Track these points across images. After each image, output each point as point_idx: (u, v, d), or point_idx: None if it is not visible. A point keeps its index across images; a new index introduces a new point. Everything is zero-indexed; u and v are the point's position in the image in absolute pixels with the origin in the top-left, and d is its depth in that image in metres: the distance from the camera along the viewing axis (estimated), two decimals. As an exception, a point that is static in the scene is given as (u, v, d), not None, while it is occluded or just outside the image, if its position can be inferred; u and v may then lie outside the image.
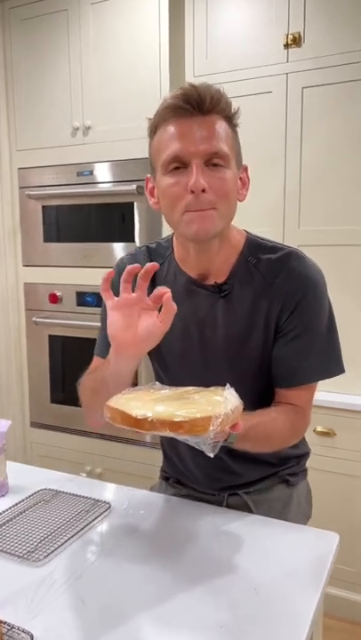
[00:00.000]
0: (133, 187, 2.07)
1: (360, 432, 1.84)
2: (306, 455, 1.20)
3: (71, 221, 2.30)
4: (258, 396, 1.03)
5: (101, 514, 1.05)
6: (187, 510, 1.08)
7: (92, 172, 2.20)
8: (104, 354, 0.99)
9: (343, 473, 1.87)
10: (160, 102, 0.94)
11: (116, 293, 0.87)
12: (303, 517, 1.17)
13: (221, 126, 0.91)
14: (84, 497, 1.11)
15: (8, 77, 2.34)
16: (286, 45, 1.89)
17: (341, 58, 1.82)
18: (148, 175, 1.01)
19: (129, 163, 2.11)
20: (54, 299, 2.34)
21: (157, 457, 1.30)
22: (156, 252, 1.10)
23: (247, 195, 1.00)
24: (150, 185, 1.00)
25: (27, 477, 1.21)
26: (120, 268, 1.11)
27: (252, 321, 1.01)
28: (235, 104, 0.94)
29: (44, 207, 2.33)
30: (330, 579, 0.89)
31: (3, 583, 0.86)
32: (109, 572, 0.88)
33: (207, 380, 0.89)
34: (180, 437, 0.74)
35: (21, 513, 1.06)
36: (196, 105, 0.89)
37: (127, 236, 2.15)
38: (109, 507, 1.07)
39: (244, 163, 1.00)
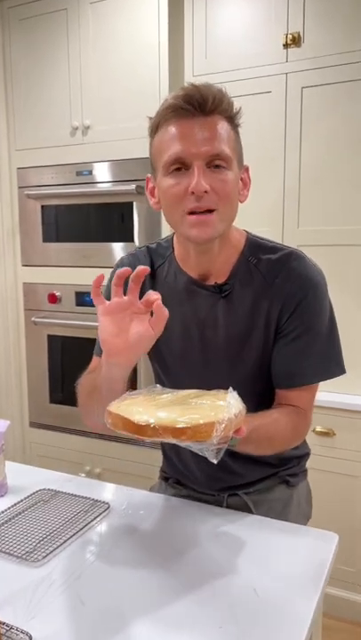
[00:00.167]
0: (133, 186, 2.07)
1: (360, 432, 1.84)
2: (306, 456, 1.20)
3: (70, 221, 2.29)
4: (258, 397, 1.03)
5: (100, 514, 1.05)
6: (186, 511, 1.08)
7: (91, 172, 2.20)
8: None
9: (343, 473, 1.87)
10: (160, 102, 0.94)
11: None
12: (303, 518, 1.17)
13: (223, 127, 0.91)
14: (83, 497, 1.11)
15: (7, 77, 2.34)
16: (286, 45, 1.89)
17: (341, 58, 1.82)
18: (149, 175, 1.00)
19: (128, 162, 2.11)
20: (53, 299, 2.34)
21: (157, 457, 1.30)
22: (157, 252, 1.10)
23: (248, 195, 1.00)
24: (151, 185, 1.00)
25: (26, 477, 1.20)
26: (119, 268, 1.11)
27: (252, 321, 1.01)
28: (236, 104, 0.94)
29: (43, 207, 2.33)
30: (329, 579, 0.89)
31: (1, 583, 0.85)
32: (108, 572, 0.88)
33: (208, 380, 0.88)
34: (183, 444, 0.73)
35: (20, 513, 1.06)
36: (198, 106, 0.88)
37: (126, 236, 2.15)
38: (108, 507, 1.07)
39: (244, 163, 0.99)
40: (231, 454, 0.98)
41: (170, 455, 1.20)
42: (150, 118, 0.95)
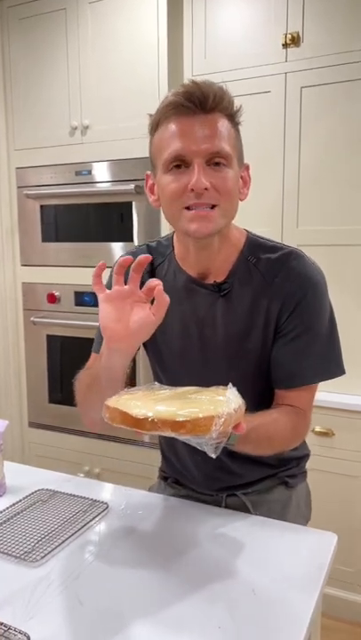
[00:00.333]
0: (132, 186, 2.06)
1: (359, 432, 1.84)
2: (306, 457, 1.20)
3: (69, 221, 2.29)
4: (258, 396, 1.03)
5: (99, 514, 1.05)
6: (185, 511, 1.08)
7: (90, 172, 2.20)
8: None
9: (342, 473, 1.87)
10: (159, 101, 0.94)
11: None
12: (302, 520, 1.17)
13: (224, 125, 0.91)
14: (81, 497, 1.10)
15: (6, 76, 2.34)
16: (285, 45, 1.89)
17: (340, 58, 1.82)
18: (148, 172, 1.00)
19: (127, 162, 2.10)
20: (52, 298, 2.34)
21: (156, 457, 1.30)
22: (157, 250, 1.10)
23: (248, 194, 1.00)
24: (150, 182, 1.00)
25: (24, 477, 1.20)
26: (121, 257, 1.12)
27: (251, 320, 1.01)
28: (237, 102, 0.94)
29: (42, 207, 2.33)
30: (328, 579, 0.89)
31: (0, 584, 0.85)
32: (107, 572, 0.88)
33: (207, 379, 0.88)
34: (182, 438, 0.73)
35: (19, 513, 1.06)
36: (199, 103, 0.88)
37: (126, 236, 2.15)
38: (107, 507, 1.07)
39: (244, 161, 0.99)
40: (230, 454, 0.98)
41: (168, 455, 1.20)
42: (150, 115, 0.95)
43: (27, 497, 1.12)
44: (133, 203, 2.11)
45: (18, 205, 2.39)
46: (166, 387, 0.86)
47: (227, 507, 1.12)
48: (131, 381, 0.95)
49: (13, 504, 1.09)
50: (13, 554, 0.92)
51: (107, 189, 2.16)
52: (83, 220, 2.26)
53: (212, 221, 0.92)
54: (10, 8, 2.28)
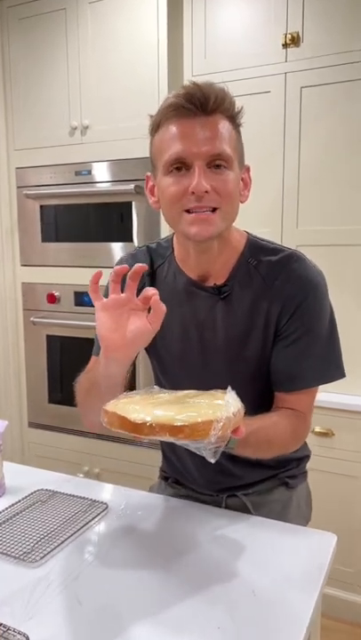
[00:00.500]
0: (132, 186, 2.06)
1: (359, 432, 1.84)
2: (306, 458, 1.20)
3: (69, 221, 2.29)
4: (258, 398, 1.02)
5: (98, 514, 1.05)
6: (185, 511, 1.08)
7: (90, 172, 2.20)
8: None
9: (341, 473, 1.87)
10: (159, 102, 0.93)
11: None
12: (303, 520, 1.16)
13: (225, 127, 0.90)
14: (81, 497, 1.10)
15: (6, 77, 2.34)
16: (285, 45, 1.89)
17: (340, 58, 1.82)
18: (149, 173, 1.00)
19: (127, 162, 2.10)
20: (52, 299, 2.34)
21: (156, 457, 1.30)
22: (157, 252, 1.10)
23: (249, 196, 1.00)
24: (151, 183, 0.99)
25: (24, 478, 1.20)
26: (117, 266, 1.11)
27: (251, 323, 1.01)
28: (238, 103, 0.93)
29: (41, 207, 2.33)
30: (328, 579, 0.89)
31: (-1, 584, 0.85)
32: (106, 573, 0.88)
33: (207, 381, 0.88)
34: (181, 442, 0.72)
35: (18, 514, 1.05)
36: (200, 105, 0.88)
37: (125, 236, 2.15)
38: (107, 507, 1.07)
39: (245, 163, 0.99)
40: (230, 457, 0.98)
41: (169, 455, 1.20)
42: (151, 116, 0.94)
43: (26, 497, 1.11)
44: (133, 203, 2.10)
45: (18, 205, 2.39)
46: (165, 390, 0.86)
47: (227, 507, 1.12)
48: (130, 385, 0.95)
49: (13, 504, 1.09)
50: (13, 554, 0.92)
51: (106, 189, 2.16)
52: (82, 221, 2.26)
53: (212, 224, 0.92)
54: (10, 8, 2.28)
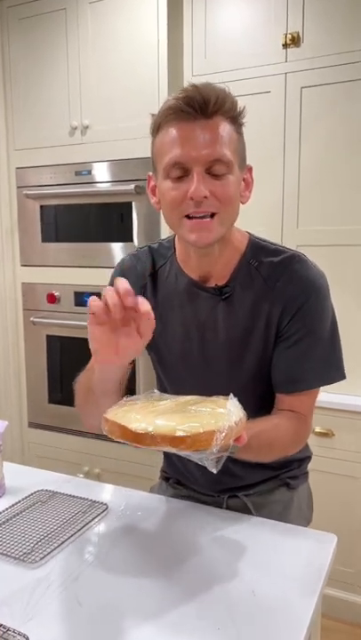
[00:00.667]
0: (132, 186, 2.06)
1: (359, 433, 1.84)
2: (307, 459, 1.20)
3: (69, 221, 2.29)
4: (259, 400, 1.02)
5: (98, 515, 1.04)
6: (185, 512, 1.08)
7: (90, 172, 2.20)
8: None
9: (342, 474, 1.87)
10: (159, 102, 0.93)
11: None
12: (304, 521, 1.16)
13: (225, 129, 0.89)
14: (81, 498, 1.10)
15: (6, 76, 2.34)
16: (285, 45, 1.89)
17: (340, 58, 1.82)
18: (150, 173, 0.99)
19: (127, 162, 2.10)
20: (52, 299, 2.33)
21: (156, 458, 1.30)
22: (158, 252, 1.10)
23: (251, 196, 0.99)
24: (152, 183, 0.99)
25: (24, 478, 1.20)
26: (121, 269, 1.11)
27: (252, 324, 1.00)
28: (240, 103, 0.92)
29: (41, 207, 2.33)
30: (328, 580, 0.88)
31: (-1, 585, 0.85)
32: (106, 573, 0.88)
33: (208, 382, 0.87)
34: (182, 453, 0.72)
35: (18, 514, 1.05)
36: (199, 108, 0.87)
37: (125, 236, 2.15)
38: (107, 508, 1.07)
39: (247, 163, 0.98)
40: (231, 458, 0.97)
41: (170, 455, 1.20)
42: (153, 115, 0.94)
43: (26, 498, 1.11)
44: (133, 203, 2.10)
45: (18, 205, 2.39)
46: (166, 395, 0.85)
47: (228, 508, 1.12)
48: (130, 386, 0.94)
49: (13, 505, 1.08)
50: (12, 555, 0.92)
51: (107, 189, 2.16)
52: (83, 221, 2.26)
53: (211, 231, 0.91)
54: (10, 8, 2.28)
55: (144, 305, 0.80)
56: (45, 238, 2.35)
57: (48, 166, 2.28)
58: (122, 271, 1.10)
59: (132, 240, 2.13)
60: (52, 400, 2.42)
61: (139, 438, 0.71)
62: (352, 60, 1.81)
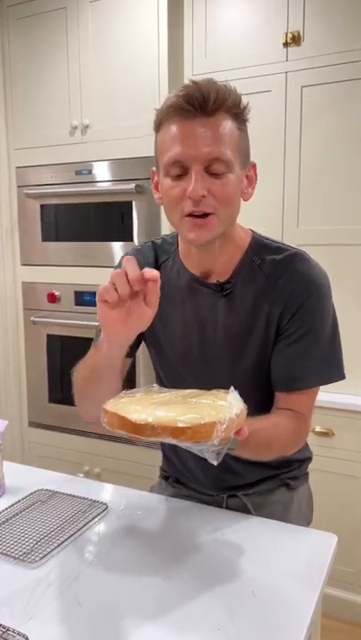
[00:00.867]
0: (132, 186, 2.06)
1: (359, 432, 1.83)
2: (308, 460, 1.19)
3: (69, 220, 2.29)
4: (258, 398, 1.02)
5: (98, 515, 1.04)
6: (185, 511, 1.08)
7: (90, 171, 2.19)
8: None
9: (342, 473, 1.87)
10: (160, 101, 0.93)
11: None
12: (304, 522, 1.16)
13: (226, 127, 0.89)
14: (81, 498, 1.10)
15: (6, 76, 2.33)
16: (285, 44, 1.88)
17: (340, 57, 1.82)
18: (154, 168, 0.99)
19: (128, 161, 2.10)
20: (52, 298, 2.33)
21: (156, 457, 1.29)
22: (161, 247, 1.10)
23: (253, 193, 0.99)
24: (156, 179, 0.99)
25: (24, 478, 1.20)
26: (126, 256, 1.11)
27: (252, 320, 1.00)
28: (244, 99, 0.91)
29: (42, 206, 2.33)
30: (328, 579, 0.88)
31: (-2, 585, 0.85)
32: (106, 573, 0.88)
33: (208, 378, 0.87)
34: (183, 444, 0.71)
35: (18, 514, 1.05)
36: (199, 106, 0.86)
37: (126, 236, 2.14)
38: (106, 507, 1.07)
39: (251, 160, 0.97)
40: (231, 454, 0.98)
41: (169, 455, 1.20)
42: (156, 110, 0.94)
43: (26, 497, 1.11)
44: (134, 202, 2.10)
45: (18, 205, 2.39)
46: (165, 389, 0.85)
47: (228, 507, 1.12)
48: (129, 377, 0.94)
49: (12, 504, 1.08)
50: (12, 554, 0.92)
51: (107, 189, 2.15)
52: (83, 220, 2.26)
53: (209, 230, 0.91)
54: (9, 7, 2.28)
55: (151, 272, 0.82)
56: (46, 238, 2.34)
57: (48, 165, 2.28)
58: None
59: (132, 239, 2.13)
60: (52, 399, 2.42)
61: (138, 429, 0.71)
62: (353, 59, 1.80)
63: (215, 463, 0.74)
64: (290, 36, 1.87)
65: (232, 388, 0.79)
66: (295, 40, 1.87)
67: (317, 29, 1.84)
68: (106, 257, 2.18)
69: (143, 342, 1.12)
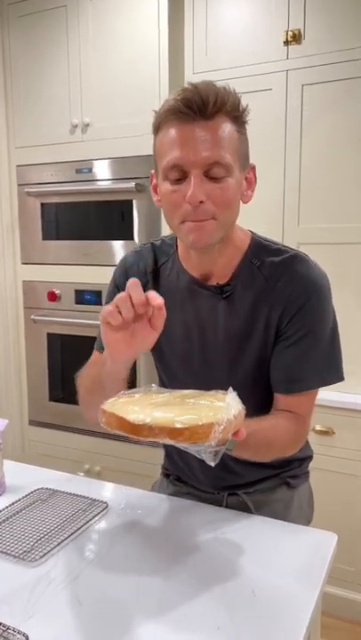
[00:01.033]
0: (132, 184, 2.06)
1: (359, 431, 1.83)
2: (308, 458, 1.19)
3: (70, 219, 2.29)
4: (258, 398, 1.02)
5: (99, 513, 1.04)
6: (185, 510, 1.08)
7: (90, 170, 2.19)
8: (103, 349, 0.99)
9: (342, 472, 1.87)
10: (160, 99, 0.93)
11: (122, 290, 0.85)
12: (305, 520, 1.16)
13: (225, 130, 0.88)
14: (81, 496, 1.10)
15: (6, 74, 2.33)
16: (286, 42, 1.88)
17: (341, 55, 1.82)
18: (153, 171, 0.99)
19: (128, 160, 2.10)
20: (53, 297, 2.33)
21: (157, 455, 1.30)
22: (161, 249, 1.09)
23: (253, 195, 0.99)
24: (155, 181, 0.99)
25: (24, 476, 1.20)
26: (124, 266, 1.11)
27: (252, 322, 1.00)
28: (243, 101, 0.91)
29: (42, 204, 2.33)
30: (328, 577, 0.88)
31: (-1, 583, 0.85)
32: (106, 572, 0.88)
33: (208, 379, 0.87)
34: (180, 445, 0.71)
35: (18, 512, 1.05)
36: (198, 110, 0.85)
37: (126, 234, 2.14)
38: (107, 506, 1.07)
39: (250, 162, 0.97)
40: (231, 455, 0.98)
41: (171, 452, 1.20)
42: (155, 112, 0.93)
43: (26, 496, 1.11)
44: (134, 201, 2.10)
45: (18, 203, 2.38)
46: (164, 390, 0.85)
47: (228, 506, 1.12)
48: (130, 379, 0.95)
49: (13, 503, 1.08)
50: (12, 553, 0.92)
51: (107, 187, 2.15)
52: (83, 218, 2.25)
53: (207, 233, 0.91)
54: (10, 5, 2.27)
55: (157, 299, 0.82)
56: (46, 236, 2.34)
57: (49, 164, 2.28)
58: (124, 269, 1.10)
59: (132, 238, 2.13)
60: (52, 398, 2.42)
61: (136, 430, 0.71)
62: (354, 58, 1.80)
63: (213, 464, 0.74)
64: (290, 34, 1.86)
65: (231, 388, 0.79)
66: (296, 38, 1.86)
67: (318, 27, 1.84)
68: (106, 255, 2.18)
69: None
